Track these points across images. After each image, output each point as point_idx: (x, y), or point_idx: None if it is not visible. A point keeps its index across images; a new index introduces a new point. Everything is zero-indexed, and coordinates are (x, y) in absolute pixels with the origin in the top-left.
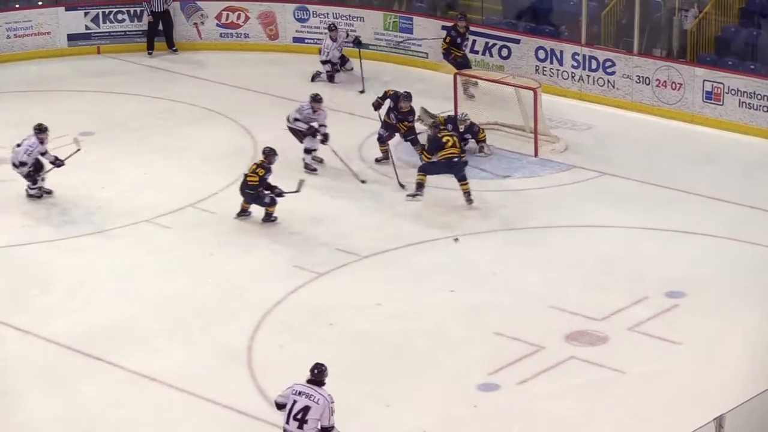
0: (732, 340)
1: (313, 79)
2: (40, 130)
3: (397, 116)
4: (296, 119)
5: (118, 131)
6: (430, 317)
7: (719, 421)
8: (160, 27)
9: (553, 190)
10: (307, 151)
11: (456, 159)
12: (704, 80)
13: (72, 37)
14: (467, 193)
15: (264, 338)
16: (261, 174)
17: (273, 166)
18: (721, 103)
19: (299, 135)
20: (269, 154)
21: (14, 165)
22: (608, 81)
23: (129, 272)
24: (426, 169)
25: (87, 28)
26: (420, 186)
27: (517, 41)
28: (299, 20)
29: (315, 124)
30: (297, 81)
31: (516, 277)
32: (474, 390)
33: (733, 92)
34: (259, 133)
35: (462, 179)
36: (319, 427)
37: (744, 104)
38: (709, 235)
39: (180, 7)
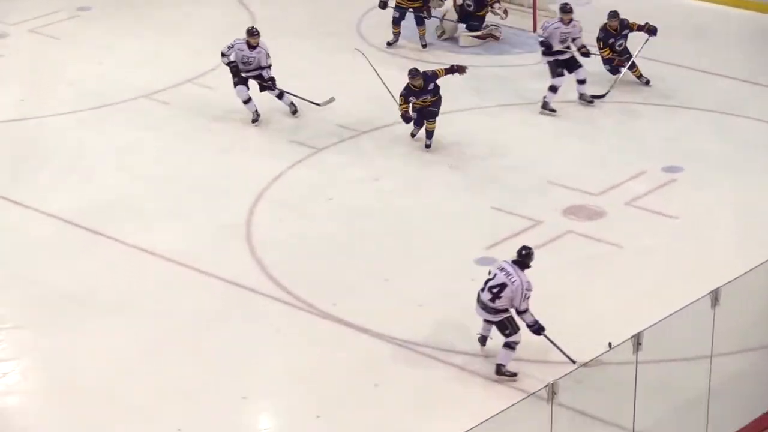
0: (728, 214)
1: None
2: (250, 33)
3: None
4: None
5: (115, 6)
6: (429, 192)
7: (715, 295)
8: None
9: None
10: (581, 82)
11: None
12: None
13: None
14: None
15: (263, 213)
16: (401, 102)
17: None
18: None
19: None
20: (411, 75)
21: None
22: None
23: (127, 148)
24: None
25: None
26: None
27: None
28: None
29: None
30: None
31: (514, 151)
32: (472, 264)
33: None
34: (256, 9)
35: None
36: (511, 305)
37: None
38: (704, 109)
39: None
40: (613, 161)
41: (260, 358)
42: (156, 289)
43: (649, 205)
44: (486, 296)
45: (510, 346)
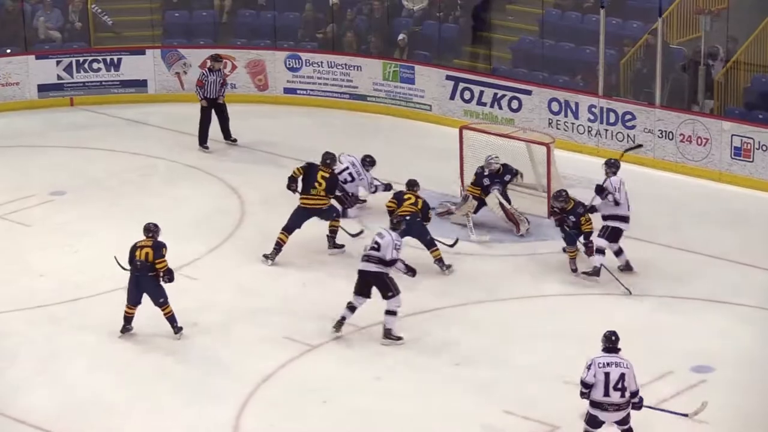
0: (763, 420)
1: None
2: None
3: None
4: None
5: (92, 190)
6: (433, 393)
7: None
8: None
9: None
10: None
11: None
12: (732, 135)
13: (43, 88)
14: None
15: (253, 416)
16: None
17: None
18: (751, 159)
19: None
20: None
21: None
22: (628, 135)
23: (103, 344)
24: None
25: (59, 77)
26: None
27: (529, 92)
28: (291, 69)
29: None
30: (288, 135)
31: (527, 349)
32: None
33: (764, 148)
34: (246, 192)
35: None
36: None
37: None
38: (737, 304)
39: (161, 55)
40: (637, 360)
41: None
42: None
43: (677, 407)
44: (616, 396)
45: None
